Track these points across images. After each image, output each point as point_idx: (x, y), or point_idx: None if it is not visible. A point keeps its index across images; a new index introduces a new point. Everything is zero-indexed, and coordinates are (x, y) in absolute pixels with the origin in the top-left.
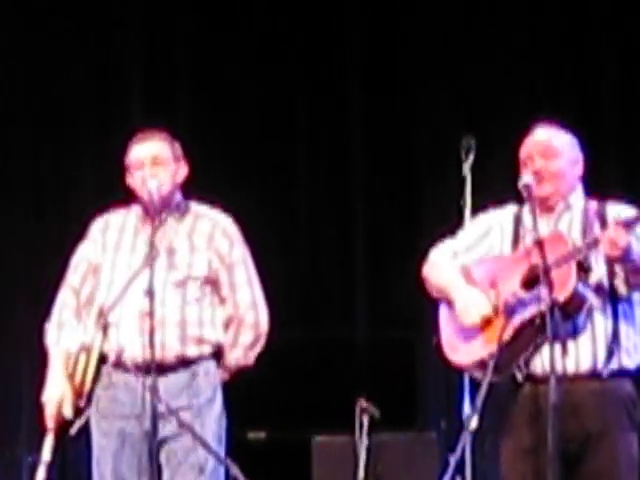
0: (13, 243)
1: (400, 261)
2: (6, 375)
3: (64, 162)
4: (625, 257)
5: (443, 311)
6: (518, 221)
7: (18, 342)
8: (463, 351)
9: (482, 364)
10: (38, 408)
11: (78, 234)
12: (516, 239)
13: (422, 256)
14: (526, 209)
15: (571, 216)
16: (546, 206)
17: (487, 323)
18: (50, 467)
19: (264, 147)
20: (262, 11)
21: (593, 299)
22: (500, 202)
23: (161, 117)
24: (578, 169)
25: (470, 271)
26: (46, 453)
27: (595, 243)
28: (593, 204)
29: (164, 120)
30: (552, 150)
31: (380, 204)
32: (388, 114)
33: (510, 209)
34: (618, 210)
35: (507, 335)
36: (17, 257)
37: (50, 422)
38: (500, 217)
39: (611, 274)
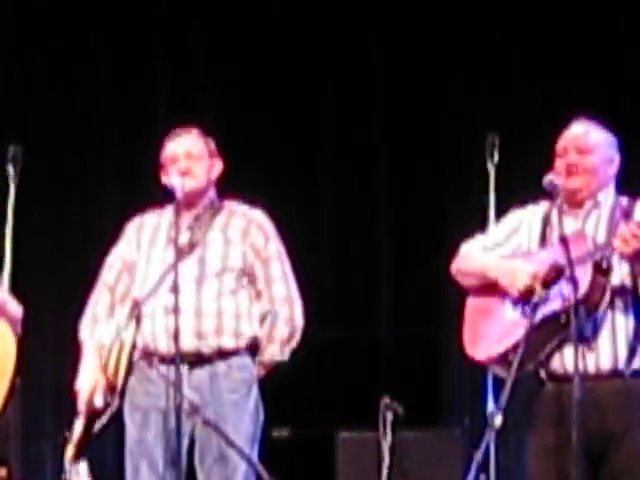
0: (41, 244)
1: (424, 259)
2: (31, 368)
3: (88, 170)
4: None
5: (469, 305)
6: (547, 219)
7: (45, 338)
8: (483, 346)
9: (499, 359)
10: (66, 397)
11: (104, 241)
12: (543, 237)
13: (448, 254)
14: (553, 207)
15: (599, 214)
16: (574, 202)
17: (526, 298)
18: (80, 449)
19: (289, 147)
20: (286, 12)
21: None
22: (524, 201)
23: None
24: (612, 168)
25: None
26: (76, 433)
27: (610, 243)
28: (624, 201)
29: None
30: (587, 145)
31: (404, 202)
32: (412, 112)
33: (541, 206)
34: None
35: (522, 331)
36: (45, 258)
37: (82, 408)
38: (530, 214)
39: (634, 274)
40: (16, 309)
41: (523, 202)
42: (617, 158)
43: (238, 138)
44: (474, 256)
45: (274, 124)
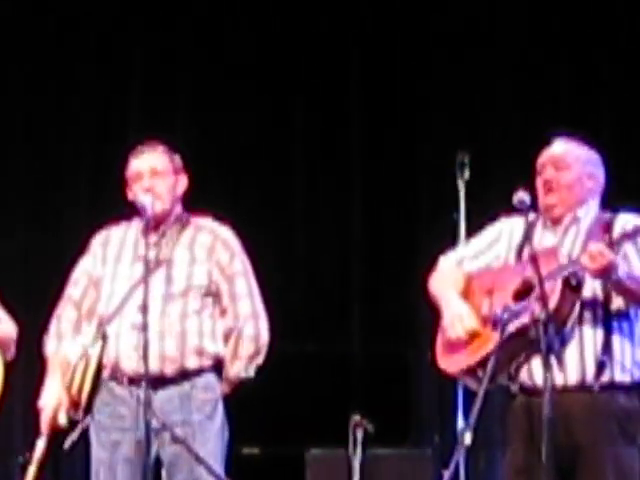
0: (10, 254)
1: (396, 276)
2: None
3: (61, 177)
4: (606, 274)
5: (442, 320)
6: (527, 231)
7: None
8: (452, 359)
9: (469, 371)
10: (32, 413)
11: (76, 249)
12: (521, 250)
13: (419, 271)
14: (539, 220)
15: (577, 229)
16: (552, 217)
17: (474, 335)
18: (42, 468)
19: (261, 161)
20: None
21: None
22: (493, 218)
23: (158, 130)
24: (591, 184)
25: (472, 280)
26: (38, 454)
27: (578, 259)
28: (605, 216)
29: (161, 133)
30: (564, 162)
31: (377, 220)
32: (385, 133)
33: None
34: (627, 219)
35: (492, 345)
36: (15, 266)
37: (45, 427)
38: (511, 226)
39: (606, 288)
40: (7, 329)
41: (493, 219)
42: (599, 174)
43: (208, 151)
44: (442, 278)
45: (245, 136)
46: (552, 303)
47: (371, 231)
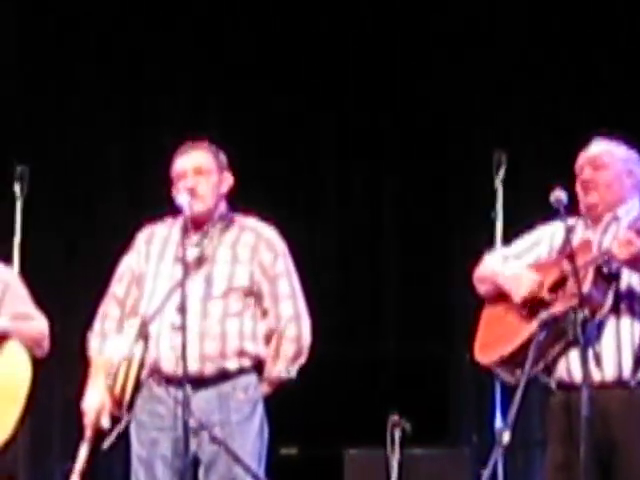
0: (50, 253)
1: (431, 277)
2: (39, 387)
3: (95, 187)
4: (637, 262)
5: (484, 313)
6: (569, 232)
7: (50, 354)
8: (490, 350)
9: (504, 361)
10: (75, 417)
11: (114, 247)
12: (562, 253)
13: (455, 272)
14: (580, 222)
15: (617, 227)
16: (593, 217)
17: (519, 319)
18: (84, 476)
19: (296, 165)
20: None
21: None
22: (530, 218)
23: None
24: (631, 182)
25: None
26: (80, 462)
27: (610, 248)
28: None
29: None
30: (601, 162)
31: (411, 219)
32: (419, 131)
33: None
34: None
35: (528, 334)
36: (55, 265)
37: (88, 431)
38: (553, 229)
39: None
40: (39, 327)
41: (537, 220)
42: (638, 172)
43: (246, 153)
44: (489, 263)
45: (281, 139)
46: (584, 289)
47: (405, 232)
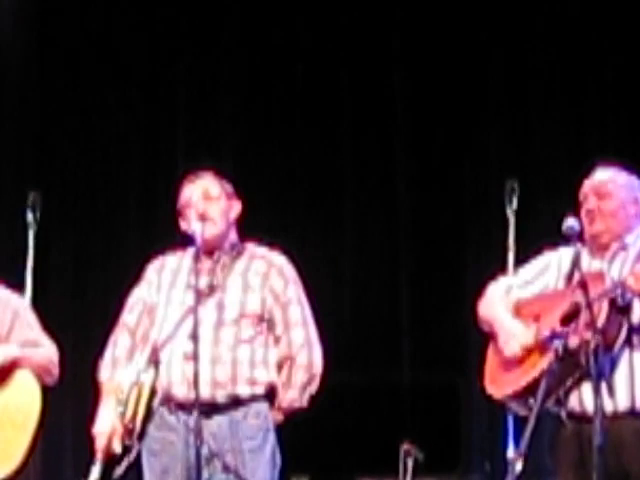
0: (60, 288)
1: (446, 306)
2: (51, 413)
3: (108, 214)
4: None
5: (491, 345)
6: (575, 260)
7: (62, 381)
8: (501, 383)
9: (516, 396)
10: (84, 439)
11: (128, 277)
12: (570, 278)
13: (469, 301)
14: (584, 250)
15: (626, 256)
16: (599, 245)
17: (527, 355)
18: None
19: (310, 194)
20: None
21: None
22: (540, 248)
23: (205, 158)
24: (635, 209)
25: (521, 307)
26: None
27: (624, 280)
28: None
29: (208, 161)
30: (606, 190)
31: (426, 247)
32: (434, 160)
33: (572, 249)
34: None
35: (540, 369)
36: (64, 303)
37: (99, 455)
38: (560, 256)
39: None
40: (47, 353)
41: (546, 246)
42: None
43: (256, 182)
44: (493, 302)
45: (293, 166)
46: (599, 323)
47: (420, 259)
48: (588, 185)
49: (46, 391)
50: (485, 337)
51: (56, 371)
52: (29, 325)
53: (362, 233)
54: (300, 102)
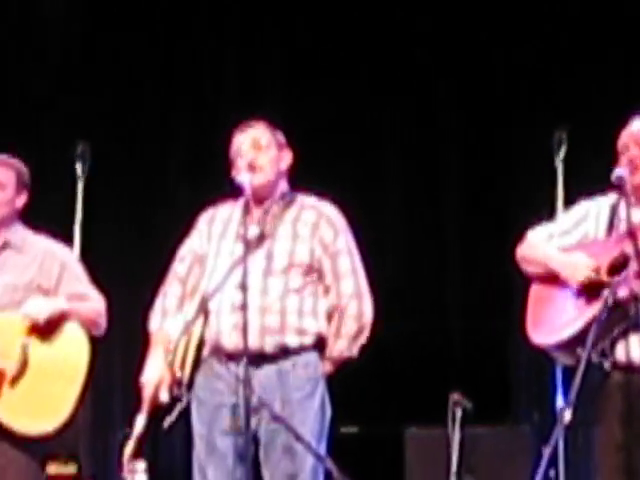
0: (109, 240)
1: (493, 255)
2: (100, 363)
3: (157, 166)
4: None
5: (533, 292)
6: (614, 210)
7: (114, 332)
8: (545, 333)
9: (562, 346)
10: (133, 389)
11: (179, 227)
12: (610, 227)
13: (514, 245)
14: (621, 201)
15: None
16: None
17: (572, 305)
18: (140, 444)
19: (357, 143)
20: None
21: None
22: (591, 194)
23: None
24: None
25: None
26: (137, 430)
27: None
28: None
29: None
30: None
31: (472, 193)
32: (481, 110)
33: (609, 197)
34: None
35: (587, 318)
36: (114, 253)
37: (146, 404)
38: (598, 205)
39: None
40: (96, 306)
41: (590, 195)
42: None
43: (305, 131)
44: (538, 245)
45: (341, 117)
46: None
47: (467, 207)
48: (627, 135)
49: (94, 343)
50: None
51: (104, 323)
52: (77, 277)
53: (409, 183)
54: (352, 51)
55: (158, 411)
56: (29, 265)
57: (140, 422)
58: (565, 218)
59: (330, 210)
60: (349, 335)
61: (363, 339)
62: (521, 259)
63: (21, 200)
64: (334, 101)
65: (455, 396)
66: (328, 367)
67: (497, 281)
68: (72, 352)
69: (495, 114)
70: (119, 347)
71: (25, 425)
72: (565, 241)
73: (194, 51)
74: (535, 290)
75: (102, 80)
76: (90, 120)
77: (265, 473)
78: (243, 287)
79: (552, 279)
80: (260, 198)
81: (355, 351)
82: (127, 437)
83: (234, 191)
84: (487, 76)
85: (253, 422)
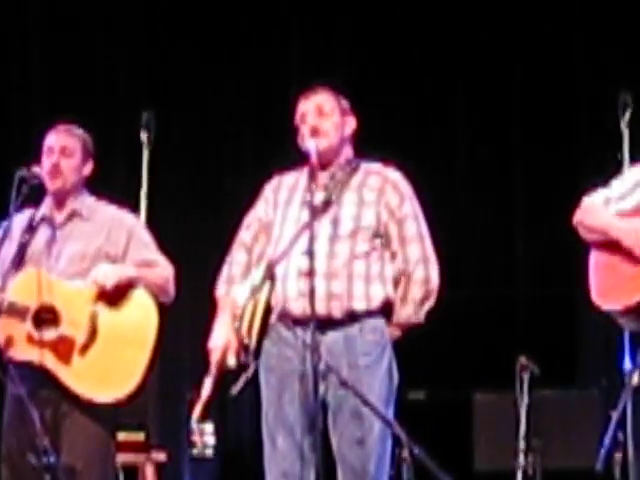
0: (176, 208)
1: (559, 217)
2: (169, 331)
3: (222, 135)
4: None
5: (595, 258)
6: None
7: (182, 301)
8: (611, 298)
9: (629, 310)
10: (201, 355)
11: (240, 202)
12: None
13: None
14: None
15: None
16: None
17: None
18: (208, 407)
19: (424, 104)
20: None
21: None
22: None
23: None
24: None
25: (622, 219)
26: (205, 391)
27: None
28: None
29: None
30: None
31: (538, 162)
32: (546, 72)
33: None
34: None
35: None
36: (180, 221)
37: (213, 368)
38: None
39: None
40: (163, 273)
41: None
42: None
43: (371, 97)
44: (595, 211)
45: (406, 79)
46: None
47: (533, 172)
48: None
49: (162, 310)
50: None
51: (172, 290)
52: (145, 244)
53: (474, 149)
54: (417, 21)
55: (225, 376)
56: (96, 233)
57: (208, 385)
58: (620, 183)
59: (395, 175)
60: (416, 300)
61: (430, 304)
62: (578, 225)
63: (87, 168)
64: (401, 68)
65: (522, 360)
66: (395, 332)
67: (565, 245)
68: (140, 318)
69: (559, 79)
70: (187, 316)
71: (95, 393)
72: (621, 206)
73: (259, 18)
74: (596, 257)
75: (167, 49)
76: (154, 89)
77: (333, 439)
78: (310, 253)
79: (612, 245)
80: (325, 163)
81: (422, 316)
82: (195, 400)
83: (299, 159)
84: (551, 36)
85: (321, 388)
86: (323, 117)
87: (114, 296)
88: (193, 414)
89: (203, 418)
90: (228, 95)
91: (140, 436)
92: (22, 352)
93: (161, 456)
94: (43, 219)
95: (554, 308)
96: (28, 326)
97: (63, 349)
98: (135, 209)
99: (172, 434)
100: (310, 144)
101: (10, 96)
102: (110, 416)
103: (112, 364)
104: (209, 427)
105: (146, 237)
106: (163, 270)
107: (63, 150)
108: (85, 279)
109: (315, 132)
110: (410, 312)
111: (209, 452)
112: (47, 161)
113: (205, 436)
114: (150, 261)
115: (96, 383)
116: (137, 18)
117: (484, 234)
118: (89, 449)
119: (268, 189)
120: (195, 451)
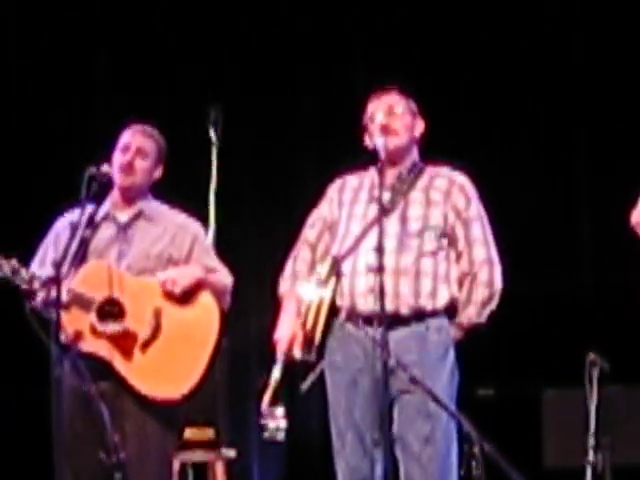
0: (243, 207)
1: (625, 209)
2: (236, 329)
3: (288, 132)
4: None
5: None
6: None
7: (248, 299)
8: None
9: None
10: (269, 355)
11: (305, 201)
12: None
13: None
14: None
15: None
16: None
17: None
18: (276, 394)
19: (487, 102)
20: None
21: None
22: None
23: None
24: None
25: None
26: (275, 376)
27: None
28: None
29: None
30: None
31: (603, 153)
32: (612, 66)
33: None
34: None
35: None
36: (247, 220)
37: (280, 358)
38: None
39: None
40: (224, 280)
41: None
42: None
43: (439, 103)
44: None
45: (470, 82)
46: None
47: (598, 162)
48: None
49: (224, 313)
50: None
51: (228, 299)
52: (207, 251)
53: (537, 144)
54: (483, 20)
55: (292, 367)
56: (161, 236)
57: (277, 371)
58: None
59: (462, 178)
60: (479, 302)
61: (493, 306)
62: (637, 224)
63: (157, 172)
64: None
65: (592, 356)
66: (458, 333)
67: (631, 235)
68: (204, 319)
69: (624, 74)
70: (254, 317)
71: (152, 389)
72: None
73: (323, 19)
74: None
75: (229, 46)
76: (220, 86)
77: (399, 435)
78: (379, 249)
79: None
80: (393, 160)
81: (484, 318)
82: (265, 385)
83: (363, 160)
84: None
85: (390, 385)
86: (394, 117)
87: (181, 295)
88: (263, 399)
89: (273, 403)
90: (292, 92)
91: (209, 433)
92: (85, 343)
93: (231, 453)
94: (106, 217)
95: (624, 302)
96: (92, 318)
97: (125, 343)
98: (202, 210)
99: (241, 430)
100: (379, 141)
101: (74, 97)
102: (167, 414)
103: (171, 363)
104: (280, 411)
105: (208, 244)
106: (224, 278)
107: (139, 150)
108: (151, 277)
109: (385, 130)
110: (473, 313)
111: (281, 435)
112: (122, 157)
113: (277, 419)
114: (212, 268)
115: (154, 380)
116: (204, 13)
117: (551, 225)
118: (144, 447)
119: (332, 190)
120: (267, 434)
